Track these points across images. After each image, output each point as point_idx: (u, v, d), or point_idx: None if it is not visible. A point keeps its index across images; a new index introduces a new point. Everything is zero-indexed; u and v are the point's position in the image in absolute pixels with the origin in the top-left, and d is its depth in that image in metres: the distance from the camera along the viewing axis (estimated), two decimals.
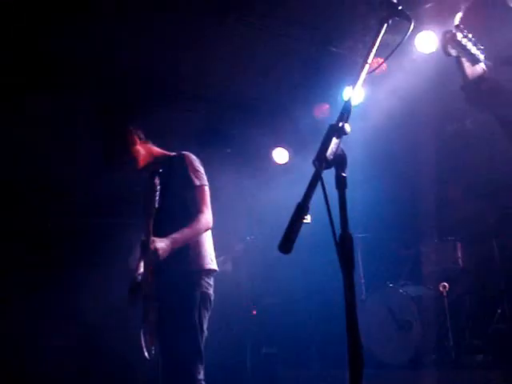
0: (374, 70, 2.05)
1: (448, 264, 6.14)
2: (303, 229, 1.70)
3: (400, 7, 2.14)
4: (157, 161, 3.80)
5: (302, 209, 1.65)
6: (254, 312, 8.44)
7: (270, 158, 8.66)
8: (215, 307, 3.70)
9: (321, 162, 1.73)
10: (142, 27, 6.46)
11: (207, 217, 3.62)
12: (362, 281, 6.93)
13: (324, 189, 1.68)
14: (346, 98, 1.95)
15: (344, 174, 1.83)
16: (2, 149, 6.81)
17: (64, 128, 7.04)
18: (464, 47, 2.45)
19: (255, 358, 7.78)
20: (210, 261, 3.72)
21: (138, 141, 3.81)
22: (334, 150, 1.78)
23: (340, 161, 1.81)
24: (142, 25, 6.40)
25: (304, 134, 8.07)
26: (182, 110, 7.74)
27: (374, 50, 2.07)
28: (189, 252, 3.62)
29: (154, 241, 3.34)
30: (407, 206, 7.18)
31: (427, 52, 6.28)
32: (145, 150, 3.84)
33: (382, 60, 2.20)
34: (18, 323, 6.72)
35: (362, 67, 2.02)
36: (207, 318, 3.63)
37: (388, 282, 6.56)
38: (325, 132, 1.83)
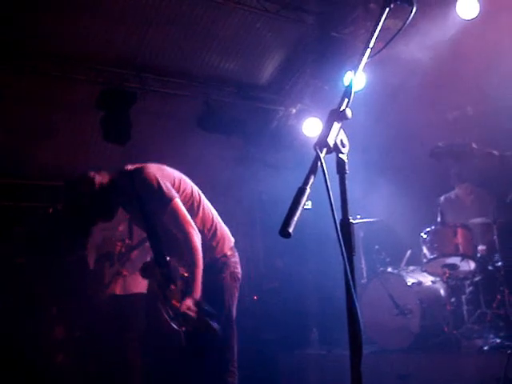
0: (375, 55, 2.03)
1: (448, 249, 6.13)
2: (304, 214, 1.70)
3: None
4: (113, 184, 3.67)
5: (302, 193, 1.65)
6: (256, 297, 8.50)
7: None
8: None
9: (322, 146, 1.73)
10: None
11: (193, 232, 3.45)
12: (363, 265, 6.95)
13: (325, 174, 1.68)
14: (347, 83, 1.94)
15: (345, 159, 1.83)
16: None
17: None
18: None
19: (256, 342, 7.82)
20: (229, 238, 3.78)
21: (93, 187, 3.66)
22: (335, 134, 1.78)
23: (341, 145, 1.81)
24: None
25: None
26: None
27: (375, 34, 2.05)
28: (212, 244, 3.66)
29: (187, 306, 3.28)
30: (410, 193, 7.19)
31: (469, 18, 6.24)
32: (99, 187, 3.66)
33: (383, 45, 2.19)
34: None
35: (364, 52, 2.01)
36: (237, 297, 3.70)
37: (388, 267, 6.57)
38: (326, 116, 1.83)
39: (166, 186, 3.46)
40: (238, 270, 3.76)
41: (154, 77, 7.43)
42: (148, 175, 3.45)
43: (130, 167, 3.60)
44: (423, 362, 5.82)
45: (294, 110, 8.59)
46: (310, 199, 1.71)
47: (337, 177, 1.85)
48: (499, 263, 5.89)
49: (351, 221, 1.83)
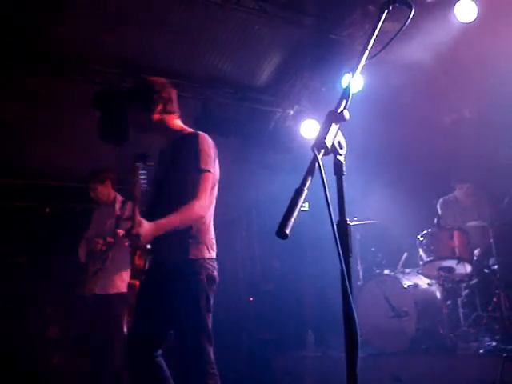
0: (373, 57, 2.04)
1: (445, 252, 6.14)
2: (301, 216, 1.70)
3: None
4: (170, 134, 3.79)
5: (299, 195, 1.65)
6: (251, 298, 8.49)
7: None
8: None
9: (319, 148, 1.73)
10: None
11: (201, 204, 3.47)
12: (359, 267, 6.96)
13: (322, 175, 1.68)
14: (345, 85, 1.94)
15: (342, 161, 1.84)
16: None
17: None
18: None
19: (252, 343, 7.82)
20: (211, 250, 3.66)
21: (162, 110, 3.78)
22: (332, 136, 1.78)
23: (339, 147, 1.81)
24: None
25: None
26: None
27: (373, 37, 2.06)
28: (188, 241, 3.54)
29: (139, 224, 3.29)
30: (407, 194, 7.20)
31: (467, 21, 6.25)
32: (164, 120, 3.80)
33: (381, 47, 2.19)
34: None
35: (362, 54, 2.01)
36: (212, 299, 3.60)
37: (385, 269, 6.58)
38: (324, 118, 1.83)
39: (211, 157, 3.59)
40: (216, 274, 3.64)
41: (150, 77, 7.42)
42: (205, 139, 3.61)
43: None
44: (419, 364, 5.83)
45: (291, 112, 8.59)
46: (307, 201, 1.72)
47: (334, 178, 1.85)
48: (495, 266, 5.90)
49: (348, 222, 1.84)
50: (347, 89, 1.91)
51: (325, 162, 1.73)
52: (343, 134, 1.83)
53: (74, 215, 8.10)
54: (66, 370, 6.73)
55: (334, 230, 1.74)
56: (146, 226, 3.30)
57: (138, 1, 6.47)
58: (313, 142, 1.75)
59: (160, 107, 3.76)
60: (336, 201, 1.82)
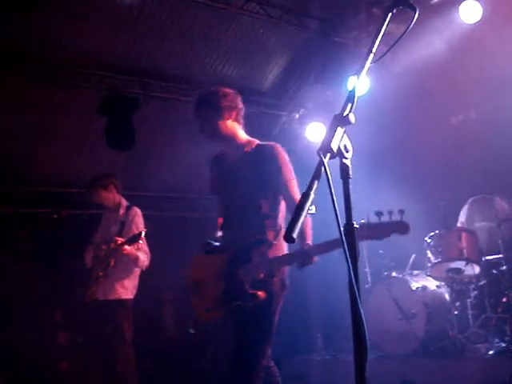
0: (378, 60, 2.04)
1: (453, 254, 6.12)
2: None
3: None
4: (237, 143, 3.91)
5: (306, 199, 1.65)
6: None
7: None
8: None
9: (325, 152, 1.73)
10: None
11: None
12: (367, 269, 6.93)
13: (328, 179, 1.68)
14: (350, 88, 1.94)
15: (348, 164, 1.83)
16: None
17: None
18: None
19: None
20: (285, 246, 3.78)
21: (232, 118, 3.93)
22: (338, 139, 1.78)
23: (344, 151, 1.81)
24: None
25: None
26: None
27: (378, 40, 2.05)
28: (267, 247, 3.67)
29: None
30: (413, 195, 7.17)
31: (472, 22, 6.24)
32: (233, 129, 3.94)
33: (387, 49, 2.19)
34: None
35: (367, 57, 2.01)
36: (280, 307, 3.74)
37: (393, 272, 6.56)
38: (330, 122, 1.83)
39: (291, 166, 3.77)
40: (287, 279, 3.79)
41: (156, 82, 7.45)
42: (282, 151, 3.78)
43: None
44: (428, 366, 5.81)
45: (297, 115, 8.59)
46: (314, 204, 1.72)
47: (340, 182, 1.85)
48: (504, 267, 5.87)
49: (355, 226, 1.83)
50: (352, 92, 1.91)
51: (331, 165, 1.73)
52: (349, 138, 1.83)
53: (81, 221, 8.12)
54: (74, 376, 6.74)
55: (340, 233, 1.74)
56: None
57: (142, 6, 6.50)
58: (319, 145, 1.75)
59: (230, 116, 3.91)
60: (342, 204, 1.82)
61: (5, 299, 7.05)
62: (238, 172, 3.82)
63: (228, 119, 3.90)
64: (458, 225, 6.58)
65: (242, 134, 3.98)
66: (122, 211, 5.99)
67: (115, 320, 5.73)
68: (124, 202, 6.06)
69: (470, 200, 6.84)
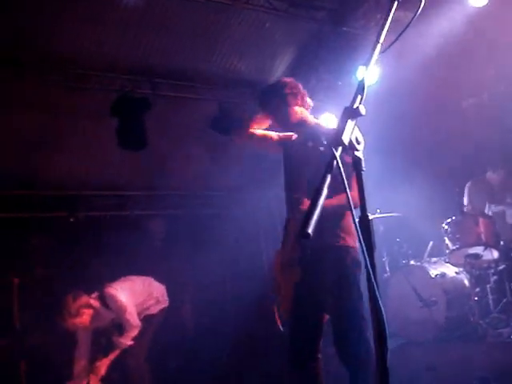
0: (387, 49, 2.02)
1: (471, 239, 6.09)
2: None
3: None
4: (308, 126, 4.01)
5: (320, 194, 1.65)
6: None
7: None
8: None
9: (337, 145, 1.73)
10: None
11: (353, 193, 3.74)
12: (384, 259, 6.92)
13: (341, 172, 1.68)
14: (359, 79, 1.93)
15: (361, 156, 1.83)
16: None
17: None
18: None
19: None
20: (356, 239, 3.83)
21: (298, 103, 4.03)
22: (349, 132, 1.78)
23: (356, 143, 1.81)
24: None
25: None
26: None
27: (385, 28, 2.04)
28: (338, 230, 3.80)
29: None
30: (427, 182, 7.15)
31: (480, 5, 6.19)
32: (303, 113, 4.05)
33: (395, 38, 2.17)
34: None
35: (375, 46, 2.00)
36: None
37: (411, 260, 6.54)
38: (340, 114, 1.82)
39: None
40: (361, 260, 3.80)
41: (165, 81, 7.45)
42: None
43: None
44: (451, 353, 5.79)
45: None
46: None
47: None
48: None
49: (370, 217, 1.83)
50: (362, 83, 1.90)
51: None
52: (360, 129, 1.82)
53: (99, 223, 8.18)
54: None
55: (356, 225, 1.74)
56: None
57: (148, 5, 6.50)
58: (330, 139, 1.75)
59: (296, 102, 4.02)
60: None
61: (23, 304, 7.12)
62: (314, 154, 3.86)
63: (295, 105, 4.01)
64: (464, 210, 6.59)
65: (312, 118, 4.10)
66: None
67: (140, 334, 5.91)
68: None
69: (467, 184, 6.86)
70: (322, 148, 3.67)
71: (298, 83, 4.14)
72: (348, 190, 1.71)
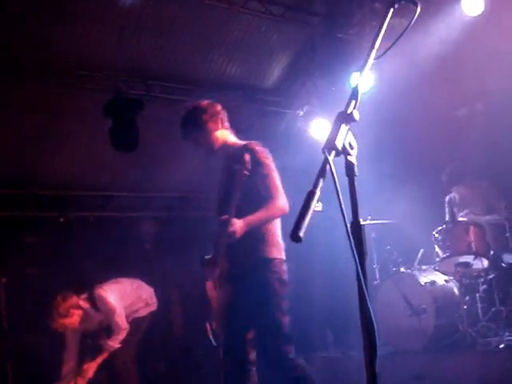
0: (381, 56, 2.02)
1: (461, 248, 6.10)
2: (317, 216, 1.69)
3: None
4: (228, 148, 3.98)
5: (312, 197, 1.64)
6: None
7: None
8: None
9: (330, 149, 1.72)
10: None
11: (281, 201, 3.73)
12: (375, 266, 6.92)
13: (334, 177, 1.67)
14: (353, 85, 1.92)
15: (354, 162, 1.82)
16: None
17: None
18: None
19: None
20: (281, 251, 3.86)
21: (219, 127, 4.01)
22: (343, 137, 1.77)
23: (349, 148, 1.80)
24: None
25: None
26: None
27: (380, 35, 2.04)
28: (258, 242, 3.79)
29: (234, 223, 3.55)
30: (420, 190, 7.16)
31: (475, 14, 6.21)
32: (222, 136, 4.03)
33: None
34: None
35: (370, 53, 1.99)
36: (285, 301, 3.79)
37: (401, 267, 6.54)
38: (334, 119, 1.82)
39: (270, 158, 3.90)
40: (286, 277, 3.83)
41: (159, 83, 7.44)
42: (258, 145, 3.90)
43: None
44: (439, 361, 5.79)
45: (301, 112, 8.57)
46: (321, 200, 1.70)
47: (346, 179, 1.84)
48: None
49: (362, 223, 1.82)
50: (356, 89, 1.89)
51: (336, 162, 1.72)
52: (353, 135, 1.81)
53: (89, 223, 8.14)
54: None
55: (347, 231, 1.73)
56: (238, 223, 3.56)
57: (144, 6, 6.49)
58: (323, 143, 1.74)
59: (216, 126, 3.99)
60: (348, 202, 1.81)
61: (14, 303, 7.07)
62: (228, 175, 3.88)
63: (216, 130, 3.98)
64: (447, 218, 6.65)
65: (232, 138, 4.08)
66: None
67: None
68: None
69: (446, 198, 6.94)
70: (236, 167, 3.68)
71: (216, 104, 4.12)
72: (340, 197, 1.69)
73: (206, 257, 3.93)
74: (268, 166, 3.80)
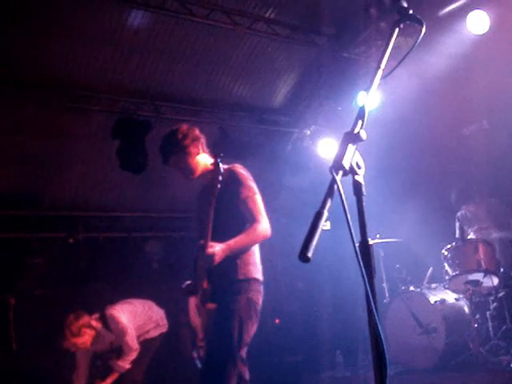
0: (387, 75, 2.03)
1: (470, 266, 6.07)
2: (325, 236, 1.70)
3: (411, 11, 2.13)
4: (209, 172, 3.89)
5: (320, 217, 1.64)
6: (277, 321, 8.44)
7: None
8: None
9: (337, 169, 1.73)
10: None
11: (264, 225, 3.71)
12: (384, 284, 6.89)
13: (341, 196, 1.67)
14: (360, 104, 1.93)
15: (361, 181, 1.83)
16: None
17: None
18: None
19: (280, 366, 7.76)
20: (257, 271, 3.82)
21: (199, 151, 3.96)
22: (350, 157, 1.77)
23: (357, 167, 1.81)
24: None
25: None
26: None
27: (386, 55, 2.05)
28: (236, 261, 3.73)
29: (212, 245, 3.51)
30: (428, 208, 7.15)
31: (480, 33, 6.22)
32: (202, 160, 3.97)
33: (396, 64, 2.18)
34: None
35: (376, 72, 2.01)
36: (253, 326, 3.70)
37: (410, 286, 6.51)
38: (341, 139, 1.82)
39: (253, 181, 3.89)
40: (259, 300, 3.76)
41: (167, 104, 7.49)
42: (241, 168, 3.92)
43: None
44: (449, 380, 5.74)
45: (308, 132, 8.59)
46: (329, 219, 1.70)
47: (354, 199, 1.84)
48: None
49: (370, 243, 1.82)
50: (362, 108, 1.90)
51: (344, 181, 1.72)
52: (360, 154, 1.82)
53: (98, 244, 8.15)
54: None
55: (356, 251, 1.73)
56: (217, 247, 3.52)
57: (151, 29, 6.56)
58: (331, 163, 1.75)
59: (197, 150, 3.94)
60: (357, 221, 1.81)
61: (23, 324, 7.07)
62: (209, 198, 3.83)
63: (197, 154, 3.94)
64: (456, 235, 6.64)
65: (210, 162, 3.97)
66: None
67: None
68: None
69: (457, 214, 6.93)
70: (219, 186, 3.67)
71: (194, 128, 4.04)
72: (348, 216, 1.69)
73: (185, 283, 3.89)
74: (251, 189, 3.79)
